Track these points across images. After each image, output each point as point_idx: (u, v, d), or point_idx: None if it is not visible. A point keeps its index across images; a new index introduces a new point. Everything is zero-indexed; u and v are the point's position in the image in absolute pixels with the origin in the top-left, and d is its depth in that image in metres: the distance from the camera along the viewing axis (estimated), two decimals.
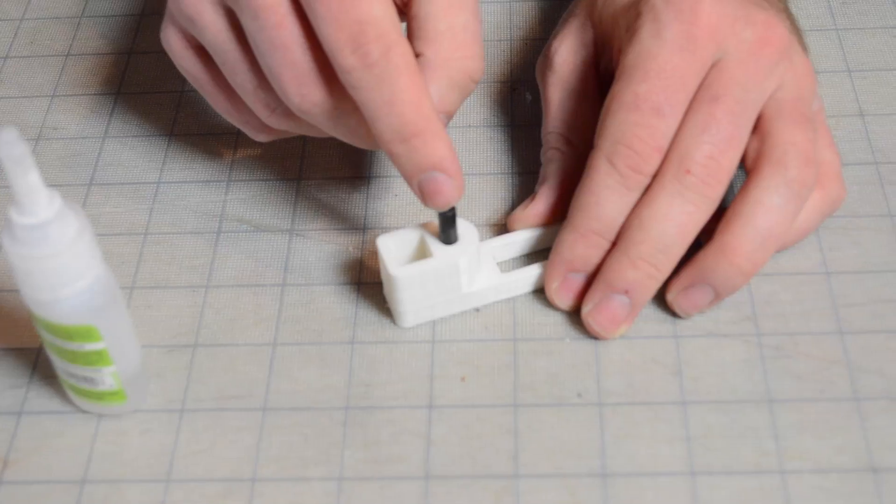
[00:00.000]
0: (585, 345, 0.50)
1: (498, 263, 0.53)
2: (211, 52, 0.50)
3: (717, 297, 0.49)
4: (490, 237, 0.54)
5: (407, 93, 0.45)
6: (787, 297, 0.51)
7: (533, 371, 0.49)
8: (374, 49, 0.45)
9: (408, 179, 0.48)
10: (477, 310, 0.52)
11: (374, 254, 0.53)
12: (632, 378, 0.49)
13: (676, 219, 0.48)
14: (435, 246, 0.49)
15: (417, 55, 0.48)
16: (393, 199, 0.57)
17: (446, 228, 0.49)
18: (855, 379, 0.48)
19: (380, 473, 0.46)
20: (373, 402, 0.49)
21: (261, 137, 0.53)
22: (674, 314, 0.51)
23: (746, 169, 0.50)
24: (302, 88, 0.47)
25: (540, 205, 0.53)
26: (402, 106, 0.45)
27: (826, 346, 0.49)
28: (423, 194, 0.47)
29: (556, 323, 0.51)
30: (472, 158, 0.58)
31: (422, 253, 0.50)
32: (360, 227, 0.55)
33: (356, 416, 0.48)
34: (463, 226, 0.50)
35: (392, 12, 0.46)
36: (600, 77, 0.54)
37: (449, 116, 0.49)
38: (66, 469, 0.47)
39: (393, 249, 0.50)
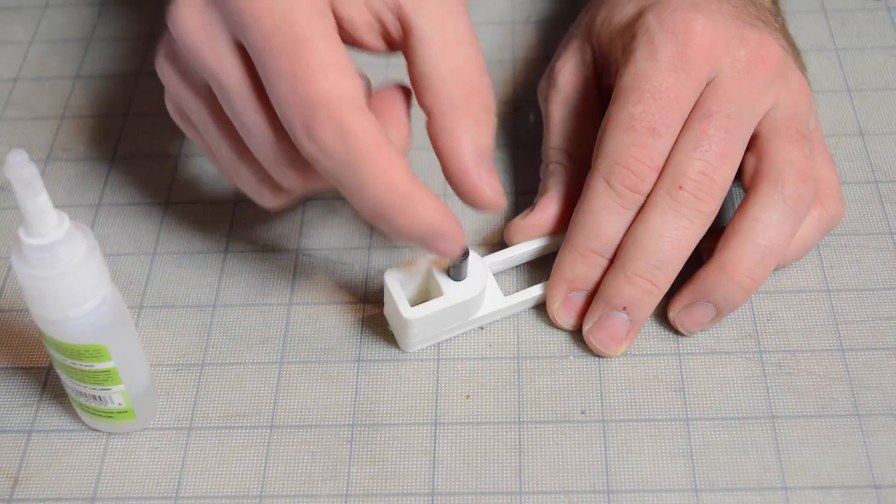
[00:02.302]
0: (589, 362, 0.50)
1: (496, 274, 0.53)
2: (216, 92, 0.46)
3: (719, 314, 0.50)
4: (489, 254, 0.54)
5: (374, 175, 0.42)
6: (789, 315, 0.52)
7: (537, 388, 0.50)
8: (328, 135, 0.42)
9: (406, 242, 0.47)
10: (481, 328, 0.52)
11: (380, 272, 0.54)
12: (635, 395, 0.49)
13: (670, 234, 0.48)
14: (444, 282, 0.50)
15: (427, 109, 0.46)
16: None
17: (458, 269, 0.49)
18: (856, 395, 0.48)
19: (385, 489, 0.47)
20: (378, 419, 0.49)
21: (270, 200, 0.49)
22: (676, 332, 0.51)
23: (745, 187, 0.50)
24: (277, 173, 0.46)
25: (539, 215, 0.53)
26: (372, 189, 0.43)
27: (827, 362, 0.50)
28: (426, 249, 0.46)
29: (559, 341, 0.51)
30: None
31: (428, 285, 0.51)
32: (366, 247, 0.56)
33: (362, 433, 0.49)
34: (472, 259, 0.50)
35: (348, 79, 0.42)
36: (601, 96, 0.55)
37: (489, 151, 0.47)
38: (75, 486, 0.48)
39: (400, 285, 0.50)
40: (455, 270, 0.49)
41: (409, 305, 0.49)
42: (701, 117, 0.49)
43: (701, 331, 0.51)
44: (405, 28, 0.45)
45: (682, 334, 0.51)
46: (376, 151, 0.42)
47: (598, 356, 0.51)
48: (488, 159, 0.47)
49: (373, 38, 0.46)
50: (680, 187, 0.48)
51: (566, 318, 0.51)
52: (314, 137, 0.42)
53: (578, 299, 0.51)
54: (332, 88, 0.42)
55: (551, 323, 0.52)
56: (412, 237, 0.45)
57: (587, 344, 0.50)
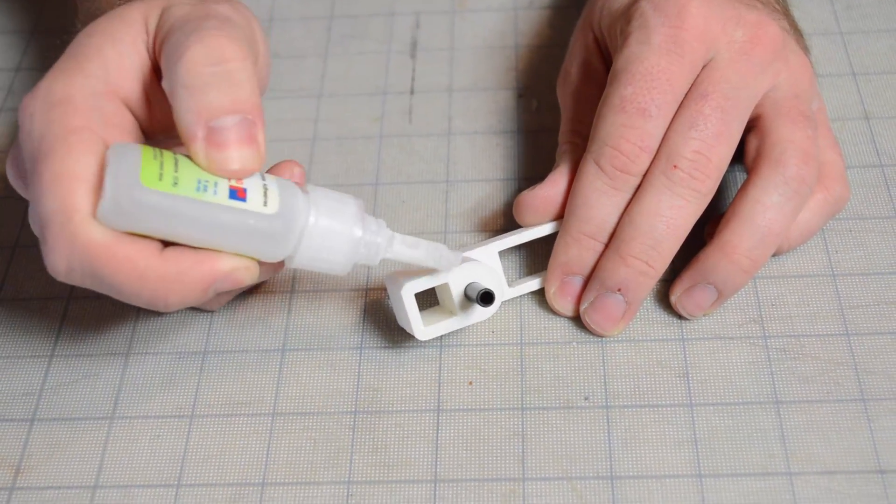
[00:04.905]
0: (592, 348, 0.50)
1: (500, 253, 0.52)
2: None
3: (721, 296, 0.49)
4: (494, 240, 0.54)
5: (120, 278, 0.42)
6: (793, 300, 0.51)
7: (540, 374, 0.49)
8: (62, 252, 0.41)
9: None
10: None
11: (382, 259, 0.53)
12: (638, 381, 0.49)
13: (665, 213, 0.48)
14: (461, 302, 0.49)
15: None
16: (401, 204, 0.57)
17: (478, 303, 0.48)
18: (861, 380, 0.48)
19: (388, 477, 0.47)
20: (381, 406, 0.49)
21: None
22: (680, 317, 0.51)
23: (746, 168, 0.50)
24: None
25: (548, 188, 0.52)
26: (128, 289, 0.42)
27: (832, 347, 0.49)
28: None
29: (562, 327, 0.51)
30: (478, 165, 0.58)
31: (443, 292, 0.50)
32: None
33: (364, 421, 0.48)
34: (494, 282, 0.49)
35: (75, 192, 0.41)
36: None
37: (222, 111, 0.43)
38: (77, 475, 0.48)
39: (414, 297, 0.48)
40: (468, 301, 0.49)
41: (422, 324, 0.49)
42: (697, 98, 0.48)
43: (704, 314, 0.51)
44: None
45: (685, 318, 0.51)
46: (111, 257, 0.41)
47: (602, 341, 0.50)
48: (226, 121, 0.42)
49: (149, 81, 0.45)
50: (675, 166, 0.48)
51: (563, 304, 0.51)
52: (50, 256, 0.42)
53: (574, 284, 0.50)
54: (57, 204, 0.41)
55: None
56: (197, 299, 0.44)
57: (584, 324, 0.50)
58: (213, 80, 0.42)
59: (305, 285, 0.54)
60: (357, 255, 0.45)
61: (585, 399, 0.48)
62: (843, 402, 0.47)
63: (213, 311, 0.52)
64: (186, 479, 0.47)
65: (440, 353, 0.51)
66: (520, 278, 0.53)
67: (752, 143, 0.50)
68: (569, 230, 0.50)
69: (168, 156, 0.42)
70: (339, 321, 0.52)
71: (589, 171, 0.49)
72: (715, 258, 0.48)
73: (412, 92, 0.63)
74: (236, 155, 0.42)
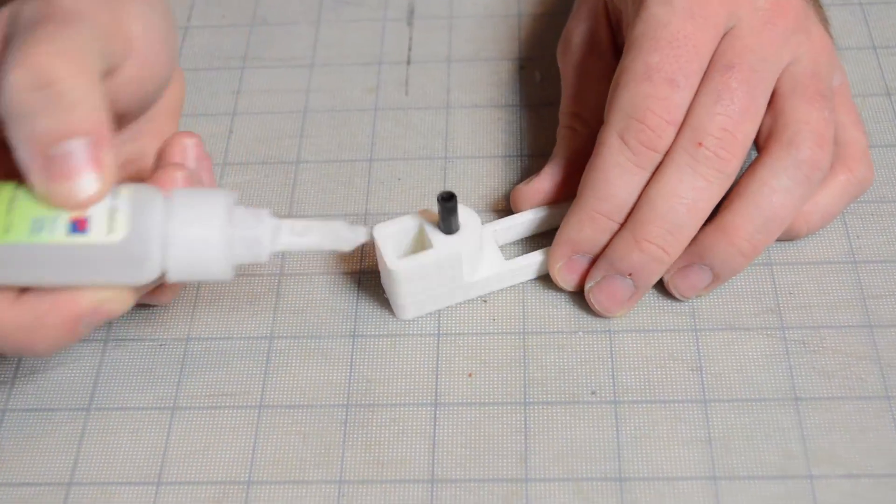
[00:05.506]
0: (600, 338, 0.48)
1: (501, 247, 0.50)
2: None
3: (716, 279, 0.47)
4: (494, 220, 0.51)
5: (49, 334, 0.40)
6: (812, 288, 0.49)
7: (544, 366, 0.47)
8: None
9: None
10: (484, 300, 0.49)
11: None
12: (649, 374, 0.46)
13: (687, 195, 0.45)
14: (435, 236, 0.47)
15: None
16: (396, 182, 0.54)
17: (447, 218, 0.46)
18: (886, 375, 0.46)
19: (382, 476, 0.44)
20: (375, 399, 0.47)
21: None
22: (688, 304, 0.48)
23: (757, 147, 0.48)
24: None
25: (544, 181, 0.50)
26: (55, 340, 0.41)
27: (854, 340, 0.47)
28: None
29: (568, 315, 0.49)
30: (478, 140, 0.56)
31: (421, 242, 0.48)
32: (362, 213, 0.53)
33: (357, 415, 0.46)
34: (464, 213, 0.47)
35: None
36: (617, 55, 0.52)
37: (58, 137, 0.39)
38: (51, 471, 0.45)
39: (391, 239, 0.47)
40: (445, 223, 0.46)
41: (395, 258, 0.46)
42: (722, 69, 0.46)
43: (696, 296, 0.48)
44: None
45: (677, 299, 0.49)
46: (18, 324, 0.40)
47: (600, 317, 0.48)
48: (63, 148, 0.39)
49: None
50: (700, 144, 0.45)
51: (568, 280, 0.49)
52: None
53: (582, 262, 0.48)
54: None
55: (559, 295, 0.49)
56: (68, 340, 0.41)
57: (587, 301, 0.48)
58: (39, 105, 0.38)
59: (295, 267, 0.51)
60: (235, 256, 0.41)
61: (592, 393, 0.46)
62: (867, 399, 0.45)
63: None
64: (167, 477, 0.45)
65: (438, 343, 0.48)
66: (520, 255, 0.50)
67: (766, 121, 0.47)
68: (583, 206, 0.47)
69: (4, 195, 0.39)
70: (330, 306, 0.50)
71: (611, 144, 0.46)
72: (713, 238, 0.46)
73: (409, 62, 0.60)
74: (79, 184, 0.39)
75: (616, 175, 0.46)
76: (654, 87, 0.45)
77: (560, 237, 0.48)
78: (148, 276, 0.40)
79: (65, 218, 0.39)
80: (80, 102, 0.38)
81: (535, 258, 0.49)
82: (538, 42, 0.60)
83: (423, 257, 0.47)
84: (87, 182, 0.39)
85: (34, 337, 0.40)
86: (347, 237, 0.42)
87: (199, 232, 0.40)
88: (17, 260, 0.39)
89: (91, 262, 0.39)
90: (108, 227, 0.39)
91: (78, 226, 0.39)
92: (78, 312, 0.40)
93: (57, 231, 0.39)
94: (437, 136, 0.56)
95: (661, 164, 0.46)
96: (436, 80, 0.59)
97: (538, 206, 0.51)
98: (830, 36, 0.50)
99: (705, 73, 0.46)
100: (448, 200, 0.45)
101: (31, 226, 0.38)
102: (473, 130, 0.56)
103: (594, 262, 0.48)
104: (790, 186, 0.46)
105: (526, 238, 0.51)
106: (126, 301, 0.41)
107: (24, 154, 0.38)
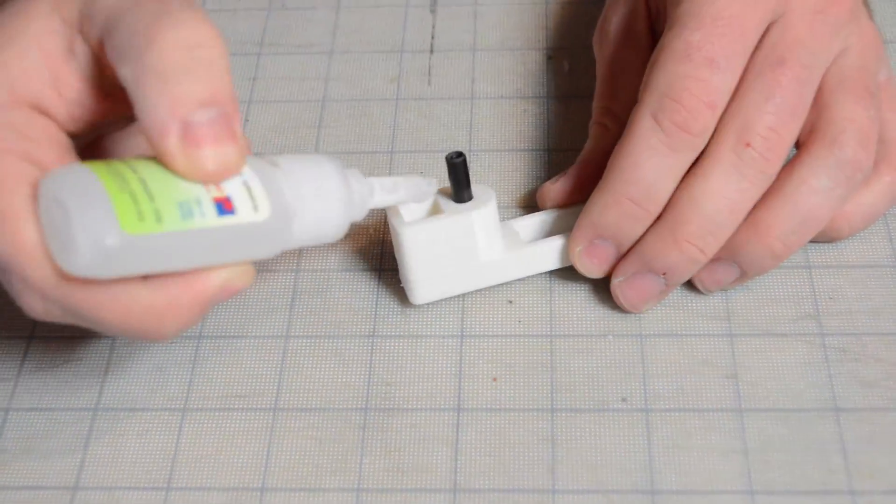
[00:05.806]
0: (630, 343, 0.46)
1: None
2: None
3: (743, 276, 0.46)
4: (518, 217, 0.50)
5: (102, 313, 0.38)
6: (854, 293, 0.47)
7: (571, 371, 0.46)
8: (34, 297, 0.38)
9: None
10: (510, 301, 0.48)
11: None
12: (682, 381, 0.45)
13: (731, 196, 0.44)
14: (447, 205, 0.46)
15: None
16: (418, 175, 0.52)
17: (457, 180, 0.45)
18: None
19: (402, 484, 0.43)
20: (394, 403, 0.45)
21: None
22: (725, 310, 0.47)
23: (798, 142, 0.46)
24: None
25: (569, 180, 0.49)
26: (112, 325, 0.39)
27: None
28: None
29: (597, 317, 0.47)
30: (503, 132, 0.55)
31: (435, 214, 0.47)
32: (381, 210, 0.51)
33: (376, 419, 0.45)
34: (479, 188, 0.46)
35: (20, 230, 0.37)
36: (654, 48, 0.50)
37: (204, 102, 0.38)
38: (56, 474, 0.44)
39: (402, 212, 0.46)
40: (454, 184, 0.46)
41: (406, 222, 0.46)
42: (774, 63, 0.44)
43: (720, 290, 0.47)
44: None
45: (701, 292, 0.47)
46: (89, 295, 0.38)
47: (624, 312, 0.47)
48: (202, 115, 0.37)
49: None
50: (748, 144, 0.43)
51: (588, 266, 0.47)
52: (22, 300, 0.39)
53: (604, 248, 0.46)
54: (10, 249, 0.37)
55: (587, 297, 0.48)
56: (195, 322, 0.40)
57: (612, 293, 0.47)
58: (191, 66, 0.37)
59: (312, 264, 0.50)
60: (349, 216, 0.42)
61: (623, 401, 0.44)
62: None
63: None
64: (177, 482, 0.43)
65: (461, 345, 0.46)
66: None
67: (809, 116, 0.45)
68: (609, 189, 0.45)
69: (126, 172, 0.37)
70: (349, 305, 0.48)
71: (643, 125, 0.44)
72: (745, 236, 0.45)
73: (432, 51, 0.59)
74: (219, 152, 0.37)
75: (646, 157, 0.44)
76: (694, 67, 0.43)
77: (582, 220, 0.47)
78: (279, 248, 0.40)
79: (208, 200, 0.37)
80: (223, 69, 0.38)
81: (556, 242, 0.48)
82: (567, 31, 0.59)
83: (433, 221, 0.45)
84: (228, 151, 0.37)
85: (164, 319, 0.39)
86: (426, 190, 0.45)
87: (324, 200, 0.40)
88: (171, 250, 0.37)
89: (238, 241, 0.38)
90: (251, 205, 0.38)
91: (224, 206, 0.37)
92: (209, 292, 0.39)
93: (207, 214, 0.37)
94: (461, 128, 0.55)
95: (705, 160, 0.44)
96: (460, 69, 0.58)
97: (564, 205, 0.49)
98: (877, 28, 0.48)
99: (752, 61, 0.44)
100: (456, 159, 0.45)
101: (180, 211, 0.36)
102: (498, 123, 0.55)
103: (616, 249, 0.46)
104: (830, 187, 0.44)
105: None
106: (251, 275, 0.40)
107: (160, 116, 0.37)
